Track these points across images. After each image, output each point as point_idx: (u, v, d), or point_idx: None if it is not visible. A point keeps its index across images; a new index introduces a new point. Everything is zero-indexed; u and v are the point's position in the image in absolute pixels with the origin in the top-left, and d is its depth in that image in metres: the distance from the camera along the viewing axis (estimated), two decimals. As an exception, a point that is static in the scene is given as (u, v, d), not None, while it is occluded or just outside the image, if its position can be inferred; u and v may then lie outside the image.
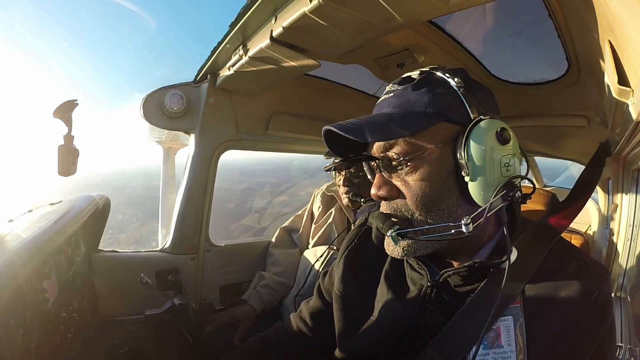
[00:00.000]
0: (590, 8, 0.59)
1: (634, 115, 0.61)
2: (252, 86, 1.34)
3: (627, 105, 0.64)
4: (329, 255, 1.39)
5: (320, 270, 1.36)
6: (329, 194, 1.61)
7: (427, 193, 0.52)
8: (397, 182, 0.54)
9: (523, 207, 0.70)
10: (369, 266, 0.70)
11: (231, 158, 1.69)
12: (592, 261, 0.57)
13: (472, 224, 0.50)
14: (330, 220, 1.53)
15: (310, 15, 0.73)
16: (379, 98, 0.60)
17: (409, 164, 0.52)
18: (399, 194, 0.54)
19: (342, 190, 1.42)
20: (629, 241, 1.15)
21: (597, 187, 1.81)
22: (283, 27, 0.80)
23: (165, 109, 1.32)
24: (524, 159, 0.56)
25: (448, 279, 0.58)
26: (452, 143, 0.52)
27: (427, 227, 0.53)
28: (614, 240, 1.22)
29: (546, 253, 0.56)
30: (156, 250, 1.40)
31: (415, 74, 0.57)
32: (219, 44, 1.05)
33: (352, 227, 0.81)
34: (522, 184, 0.54)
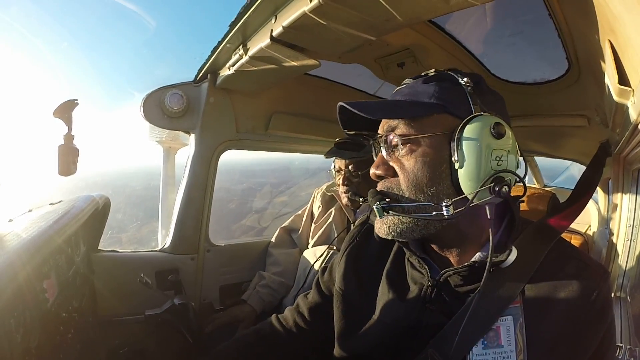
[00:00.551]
0: (590, 8, 0.59)
1: (634, 115, 0.61)
2: (252, 86, 1.34)
3: (628, 105, 0.64)
4: (328, 255, 1.39)
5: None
6: (329, 194, 1.61)
7: (419, 176, 0.54)
8: (394, 163, 0.57)
9: (523, 207, 0.70)
10: (371, 264, 0.71)
11: (231, 158, 1.69)
12: (592, 261, 0.57)
13: (454, 209, 0.51)
14: (330, 220, 1.53)
15: (310, 14, 0.73)
16: (379, 97, 0.61)
17: (407, 145, 0.55)
18: (395, 174, 0.57)
19: (341, 189, 1.42)
20: (629, 241, 1.15)
21: (598, 187, 1.81)
22: (283, 27, 0.80)
23: (165, 109, 1.32)
24: (522, 161, 0.57)
25: (448, 278, 0.58)
26: (451, 134, 0.54)
27: (410, 204, 0.55)
28: (614, 240, 1.23)
29: (546, 253, 0.56)
30: (156, 250, 1.40)
31: (431, 72, 0.60)
32: (219, 43, 1.05)
33: (352, 227, 0.81)
34: (516, 186, 0.55)
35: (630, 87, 0.61)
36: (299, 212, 1.71)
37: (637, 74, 0.57)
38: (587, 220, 2.08)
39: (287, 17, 0.78)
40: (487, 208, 0.52)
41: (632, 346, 0.92)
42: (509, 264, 0.55)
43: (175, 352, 1.18)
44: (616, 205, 1.23)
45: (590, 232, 2.01)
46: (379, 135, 0.59)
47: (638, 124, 0.65)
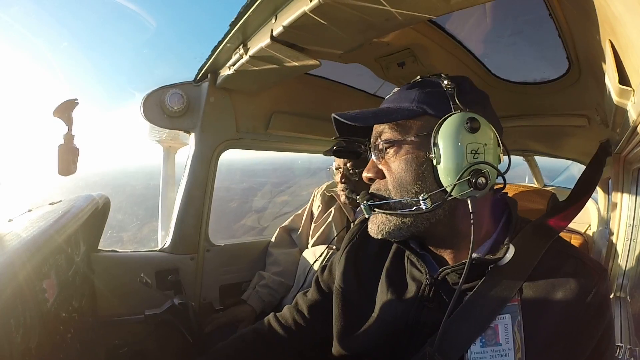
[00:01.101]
0: (591, 8, 0.59)
1: (635, 115, 0.61)
2: (252, 85, 1.33)
3: (628, 105, 0.64)
4: (328, 255, 1.39)
5: (319, 270, 1.37)
6: (329, 194, 1.61)
7: (403, 176, 0.57)
8: (383, 165, 0.60)
9: (523, 207, 0.70)
10: (370, 263, 0.71)
11: (231, 157, 1.69)
12: (590, 260, 0.57)
13: (431, 202, 0.54)
14: (329, 219, 1.53)
15: (311, 14, 0.73)
16: (379, 97, 0.61)
17: (392, 148, 0.59)
18: (383, 176, 0.60)
19: (340, 187, 1.43)
20: (629, 241, 1.15)
21: (597, 187, 1.81)
22: (283, 26, 0.80)
23: (165, 108, 1.32)
24: (507, 155, 0.60)
25: (447, 276, 0.59)
26: (430, 135, 0.56)
27: (392, 200, 0.58)
28: (614, 240, 1.22)
29: (544, 252, 0.57)
30: (156, 250, 1.40)
31: (417, 79, 0.63)
32: (220, 43, 1.05)
33: (352, 226, 0.81)
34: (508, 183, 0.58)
35: (630, 87, 0.61)
36: (299, 211, 1.71)
37: (637, 73, 0.57)
38: (587, 220, 2.08)
39: (288, 16, 0.78)
40: (468, 201, 0.54)
41: (632, 346, 0.92)
42: (507, 262, 0.55)
43: (175, 352, 1.18)
44: (616, 205, 1.23)
45: (590, 232, 2.01)
46: (366, 142, 0.63)
47: (638, 124, 0.65)
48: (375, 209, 0.59)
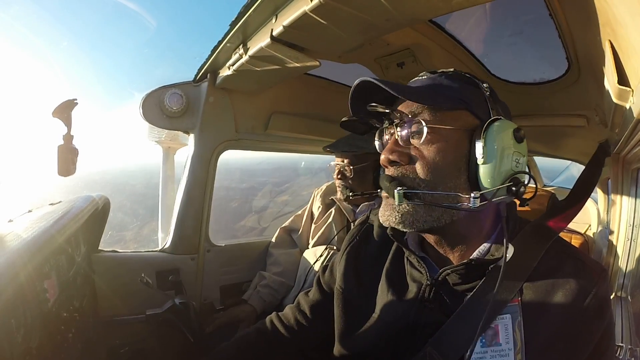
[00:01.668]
0: (591, 8, 0.60)
1: (634, 115, 0.61)
2: (252, 85, 1.33)
3: (627, 105, 0.64)
4: (328, 255, 1.39)
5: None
6: (329, 200, 1.61)
7: (439, 166, 0.54)
8: (411, 149, 0.56)
9: (522, 207, 0.70)
10: (370, 264, 0.71)
11: (231, 157, 1.69)
12: (590, 260, 0.57)
13: (480, 202, 0.52)
14: (330, 220, 1.53)
15: (311, 14, 0.73)
16: None
17: (430, 134, 0.54)
18: (410, 161, 0.56)
19: (337, 183, 1.43)
20: (629, 241, 1.16)
21: (597, 187, 1.81)
22: (283, 26, 0.80)
23: (164, 109, 1.32)
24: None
25: (447, 277, 0.59)
26: (471, 132, 0.55)
27: (435, 192, 0.54)
28: (614, 240, 1.23)
29: (544, 252, 0.57)
30: (156, 251, 1.40)
31: (450, 70, 0.62)
32: (219, 43, 1.05)
33: (352, 227, 0.82)
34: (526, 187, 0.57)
35: (629, 87, 0.61)
36: (299, 212, 1.71)
37: (636, 74, 0.57)
38: (587, 220, 2.08)
39: (288, 16, 0.78)
40: (500, 207, 0.55)
41: (632, 346, 0.92)
42: (507, 263, 0.55)
43: (176, 352, 1.18)
44: (616, 205, 1.23)
45: (590, 232, 2.01)
46: (396, 121, 0.58)
47: (637, 124, 0.65)
48: (411, 199, 0.54)
